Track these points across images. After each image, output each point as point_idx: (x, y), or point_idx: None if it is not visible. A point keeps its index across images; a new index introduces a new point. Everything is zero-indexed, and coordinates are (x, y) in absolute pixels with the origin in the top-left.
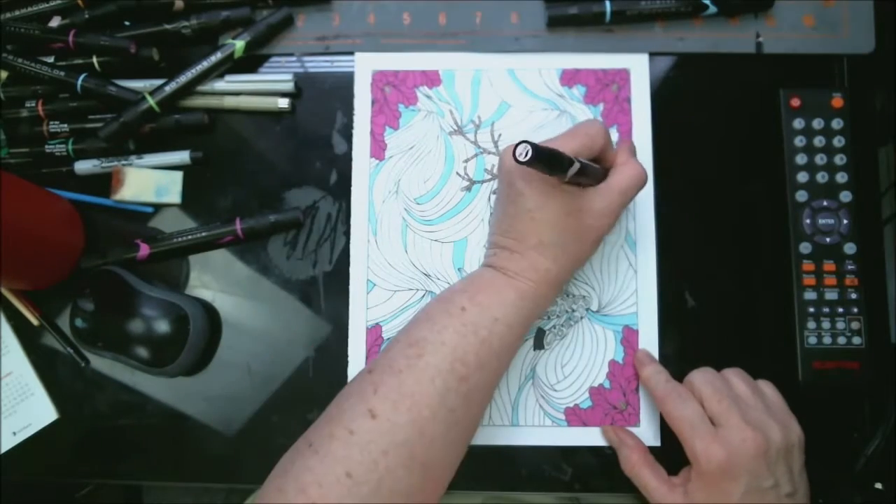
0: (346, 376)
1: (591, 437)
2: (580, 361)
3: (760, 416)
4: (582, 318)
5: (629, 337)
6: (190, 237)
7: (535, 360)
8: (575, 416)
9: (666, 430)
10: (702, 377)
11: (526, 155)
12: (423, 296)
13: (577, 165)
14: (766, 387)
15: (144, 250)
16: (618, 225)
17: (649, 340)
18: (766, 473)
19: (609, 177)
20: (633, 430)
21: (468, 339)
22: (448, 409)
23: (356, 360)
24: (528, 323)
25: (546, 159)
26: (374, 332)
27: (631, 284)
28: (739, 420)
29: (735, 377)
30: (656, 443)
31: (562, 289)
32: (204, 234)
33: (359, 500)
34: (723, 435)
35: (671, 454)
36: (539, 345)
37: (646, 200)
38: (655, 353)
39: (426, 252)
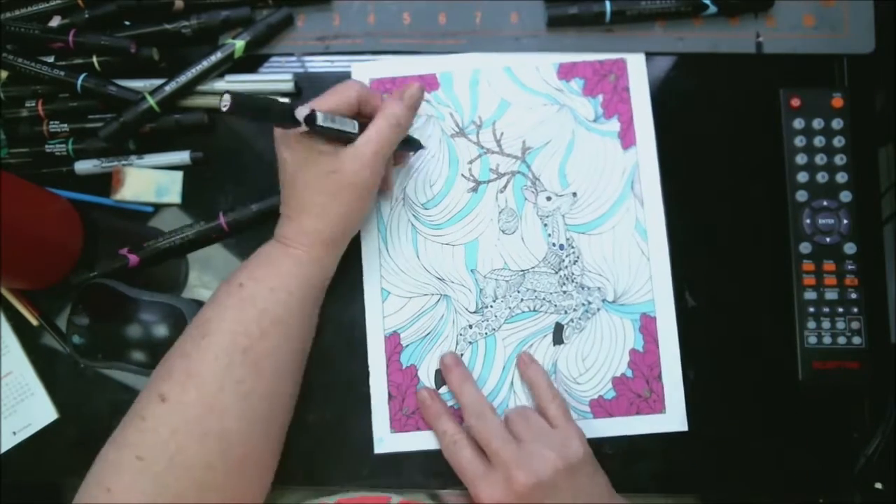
0: (345, 376)
1: (617, 427)
2: (601, 353)
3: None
4: (599, 309)
5: (647, 324)
6: (178, 237)
7: (556, 354)
8: (600, 408)
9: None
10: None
11: (226, 106)
12: (439, 300)
13: (305, 110)
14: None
15: (134, 261)
16: (626, 213)
17: (668, 326)
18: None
19: (366, 129)
20: (659, 416)
21: (247, 312)
22: (235, 381)
23: (377, 369)
24: (312, 285)
25: (252, 106)
26: (392, 339)
27: (644, 272)
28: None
29: (516, 416)
30: (683, 428)
31: (342, 248)
32: (189, 233)
33: (152, 478)
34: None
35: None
36: (558, 340)
37: (652, 185)
38: (675, 338)
39: (438, 256)
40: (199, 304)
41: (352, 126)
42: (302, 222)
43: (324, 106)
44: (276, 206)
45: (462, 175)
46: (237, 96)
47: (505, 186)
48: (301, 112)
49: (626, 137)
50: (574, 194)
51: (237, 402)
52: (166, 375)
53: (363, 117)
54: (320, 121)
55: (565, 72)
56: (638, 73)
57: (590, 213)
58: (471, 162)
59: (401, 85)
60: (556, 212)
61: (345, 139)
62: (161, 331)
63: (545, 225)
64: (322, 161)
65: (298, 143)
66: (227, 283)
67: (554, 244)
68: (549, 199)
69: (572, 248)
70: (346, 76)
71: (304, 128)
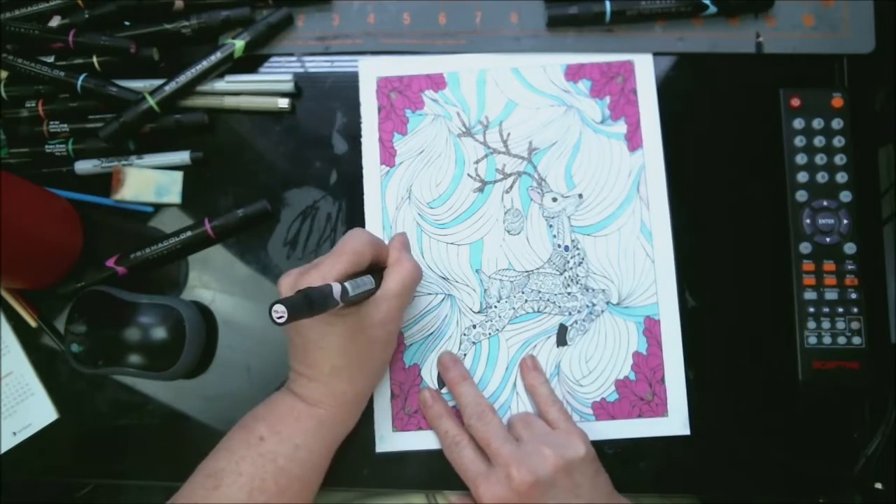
0: None
1: (619, 430)
2: (604, 355)
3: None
4: (603, 311)
5: (651, 327)
6: (165, 247)
7: (560, 356)
8: (602, 410)
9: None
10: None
11: (281, 317)
12: (443, 299)
13: (338, 287)
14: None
15: (122, 272)
16: (632, 215)
17: (672, 329)
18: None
19: (383, 282)
20: (661, 420)
21: (266, 468)
22: None
23: None
24: (332, 444)
25: (304, 310)
26: None
27: (649, 275)
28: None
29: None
30: (685, 432)
31: (366, 403)
32: (175, 241)
33: None
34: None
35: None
36: (562, 341)
37: (658, 188)
38: (679, 341)
39: (443, 256)
40: (197, 306)
41: (370, 282)
42: (329, 384)
43: (341, 271)
44: (262, 211)
45: (468, 175)
46: (290, 303)
47: (511, 187)
48: (336, 292)
49: (633, 140)
50: (580, 196)
51: None
52: None
53: (371, 267)
54: (351, 293)
55: (573, 73)
56: (645, 75)
57: (595, 215)
58: (477, 162)
59: (408, 84)
60: (562, 213)
61: (355, 303)
62: (160, 333)
63: (550, 226)
64: (347, 322)
65: None
66: (244, 433)
67: (559, 245)
68: (554, 200)
69: (577, 249)
70: (346, 76)
71: (341, 305)
